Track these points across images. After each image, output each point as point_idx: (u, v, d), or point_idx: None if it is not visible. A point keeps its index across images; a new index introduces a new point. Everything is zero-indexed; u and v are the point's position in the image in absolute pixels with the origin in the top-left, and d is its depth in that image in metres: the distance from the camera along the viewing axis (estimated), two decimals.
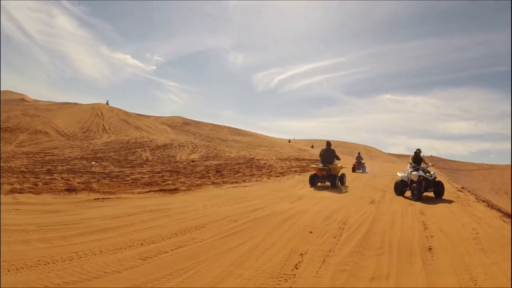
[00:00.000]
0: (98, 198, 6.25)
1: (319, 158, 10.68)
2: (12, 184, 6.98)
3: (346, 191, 9.59)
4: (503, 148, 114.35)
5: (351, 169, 17.15)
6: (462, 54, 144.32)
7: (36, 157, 14.23)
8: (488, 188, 39.27)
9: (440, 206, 7.30)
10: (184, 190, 8.23)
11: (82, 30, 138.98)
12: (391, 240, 4.29)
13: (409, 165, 9.28)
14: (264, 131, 63.49)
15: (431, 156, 70.30)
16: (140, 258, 3.06)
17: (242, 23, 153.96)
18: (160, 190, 7.91)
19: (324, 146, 10.68)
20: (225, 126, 45.01)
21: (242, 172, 12.57)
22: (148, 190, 7.85)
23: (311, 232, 4.53)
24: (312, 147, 36.54)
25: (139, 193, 7.50)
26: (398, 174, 9.74)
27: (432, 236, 4.55)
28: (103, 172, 11.28)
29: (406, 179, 9.12)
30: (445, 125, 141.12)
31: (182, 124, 43.49)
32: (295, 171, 15.07)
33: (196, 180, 9.73)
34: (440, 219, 5.78)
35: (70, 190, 6.81)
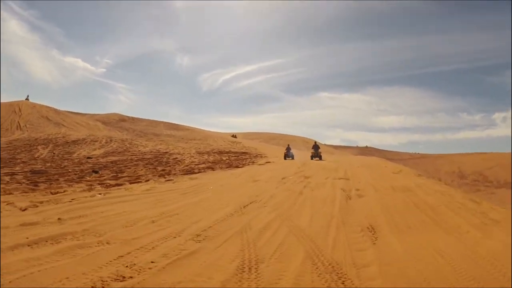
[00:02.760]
0: None
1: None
2: None
3: None
4: (430, 139, 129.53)
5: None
6: (394, 56, 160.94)
7: None
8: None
9: None
10: None
11: (33, 35, 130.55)
12: None
13: None
14: (209, 127, 64.41)
15: (367, 147, 75.01)
16: None
17: (187, 25, 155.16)
18: None
19: (314, 143, 21.26)
20: (161, 121, 42.70)
21: (125, 173, 11.28)
22: None
23: None
24: (235, 136, 39.74)
25: None
26: None
27: None
28: None
29: None
30: (377, 119, 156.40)
31: (117, 121, 40.38)
32: (198, 170, 13.92)
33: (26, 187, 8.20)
34: None
35: None
